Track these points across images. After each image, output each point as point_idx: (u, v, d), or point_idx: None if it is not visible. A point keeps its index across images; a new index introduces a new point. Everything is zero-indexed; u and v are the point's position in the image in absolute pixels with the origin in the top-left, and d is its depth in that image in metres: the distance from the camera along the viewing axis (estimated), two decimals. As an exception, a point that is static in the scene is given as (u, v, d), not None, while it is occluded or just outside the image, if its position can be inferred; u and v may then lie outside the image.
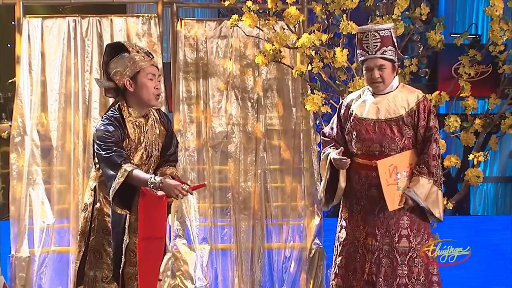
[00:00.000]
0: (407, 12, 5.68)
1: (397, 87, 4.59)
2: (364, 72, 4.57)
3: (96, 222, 4.22)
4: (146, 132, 4.22)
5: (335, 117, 4.73)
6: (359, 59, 4.58)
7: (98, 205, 4.22)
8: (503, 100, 5.86)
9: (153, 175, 4.02)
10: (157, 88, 4.21)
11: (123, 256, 4.13)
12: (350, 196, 4.62)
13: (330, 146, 4.65)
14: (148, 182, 3.95)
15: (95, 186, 4.23)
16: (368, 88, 4.64)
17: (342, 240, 4.62)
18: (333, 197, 4.66)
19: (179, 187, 3.96)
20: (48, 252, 6.08)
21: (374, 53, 4.49)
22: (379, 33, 4.49)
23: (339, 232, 4.66)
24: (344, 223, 4.63)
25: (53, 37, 6.15)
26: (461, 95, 5.70)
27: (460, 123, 5.62)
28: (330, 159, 4.54)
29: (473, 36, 7.61)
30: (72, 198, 6.09)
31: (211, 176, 6.25)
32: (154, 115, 4.31)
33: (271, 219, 6.28)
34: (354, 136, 4.57)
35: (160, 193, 4.01)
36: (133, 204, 4.05)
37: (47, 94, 6.14)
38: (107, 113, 4.20)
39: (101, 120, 4.17)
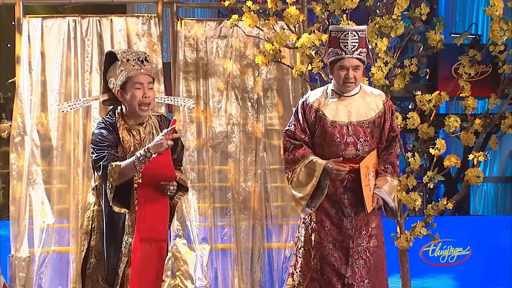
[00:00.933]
0: (407, 12, 5.68)
1: (359, 88, 4.55)
2: (336, 71, 4.46)
3: (96, 223, 4.22)
4: (143, 140, 4.18)
5: (300, 119, 4.54)
6: (331, 58, 4.46)
7: (97, 206, 4.21)
8: (503, 100, 5.86)
9: (136, 153, 3.97)
10: (145, 97, 4.11)
11: (123, 256, 4.11)
12: (322, 200, 4.50)
13: (307, 151, 4.49)
14: (136, 161, 3.91)
15: (95, 186, 4.23)
16: (332, 89, 4.54)
17: (315, 243, 4.51)
18: (316, 203, 4.50)
19: (161, 139, 3.91)
20: (48, 252, 6.08)
21: (351, 53, 4.41)
22: (358, 34, 4.42)
23: (310, 235, 4.53)
24: (315, 226, 4.53)
25: (53, 37, 6.16)
26: (461, 95, 5.70)
27: (460, 123, 5.62)
28: (325, 167, 4.40)
29: (473, 36, 7.60)
30: (72, 198, 6.09)
31: (211, 176, 6.24)
32: (154, 122, 4.26)
33: (271, 219, 6.28)
34: (327, 140, 4.48)
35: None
36: (131, 203, 4.04)
37: (47, 94, 6.14)
38: (104, 117, 4.22)
39: (98, 124, 4.19)
